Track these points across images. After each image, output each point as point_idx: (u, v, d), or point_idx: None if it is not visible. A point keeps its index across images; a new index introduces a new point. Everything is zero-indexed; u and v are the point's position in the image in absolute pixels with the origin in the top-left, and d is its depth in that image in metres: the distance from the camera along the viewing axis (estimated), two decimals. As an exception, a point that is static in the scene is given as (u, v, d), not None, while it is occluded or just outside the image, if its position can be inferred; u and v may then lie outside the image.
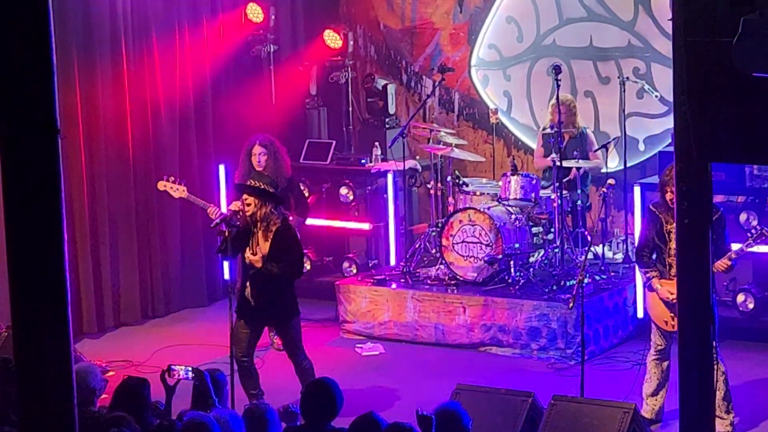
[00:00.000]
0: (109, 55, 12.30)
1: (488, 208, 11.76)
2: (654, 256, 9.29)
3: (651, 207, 9.39)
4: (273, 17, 13.66)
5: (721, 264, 8.83)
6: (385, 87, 13.77)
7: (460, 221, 11.80)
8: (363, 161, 13.27)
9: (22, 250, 3.11)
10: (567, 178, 11.80)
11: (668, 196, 8.93)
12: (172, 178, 11.09)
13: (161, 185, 11.10)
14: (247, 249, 9.52)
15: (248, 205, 9.39)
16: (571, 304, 9.65)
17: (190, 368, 7.43)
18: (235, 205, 9.77)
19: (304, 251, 10.47)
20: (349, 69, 14.03)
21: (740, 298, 11.32)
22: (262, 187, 9.45)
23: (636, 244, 9.86)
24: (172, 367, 7.52)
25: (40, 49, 2.95)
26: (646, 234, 9.35)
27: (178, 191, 11.02)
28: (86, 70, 12.10)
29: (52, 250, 3.13)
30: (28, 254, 3.15)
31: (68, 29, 11.83)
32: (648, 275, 9.28)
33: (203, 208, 11.11)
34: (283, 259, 9.42)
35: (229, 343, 9.29)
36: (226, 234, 9.29)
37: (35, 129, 2.94)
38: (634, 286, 11.55)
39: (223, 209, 11.44)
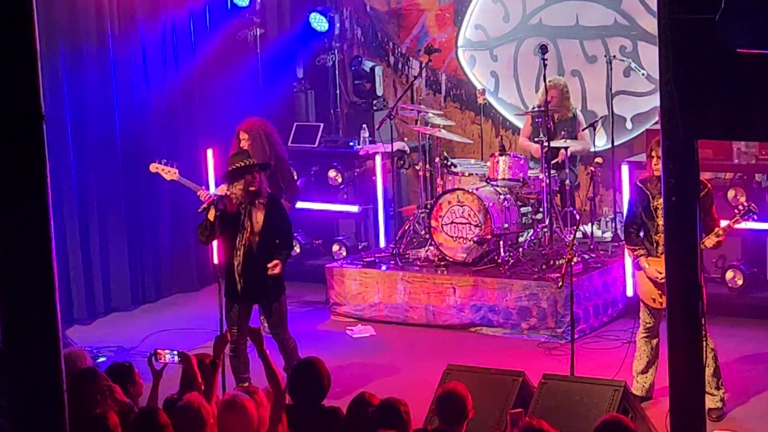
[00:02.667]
0: (95, 41, 12.28)
1: (477, 189, 11.76)
2: (641, 234, 9.31)
3: (638, 183, 9.40)
4: (259, 1, 13.64)
5: (710, 240, 8.84)
6: (372, 69, 13.76)
7: (449, 202, 11.81)
8: (351, 144, 13.27)
9: (9, 237, 3.11)
10: (555, 160, 11.81)
11: (654, 162, 8.93)
12: (164, 161, 11.10)
13: (153, 167, 11.12)
14: (243, 231, 9.53)
15: (253, 186, 9.48)
16: (560, 283, 9.67)
17: (176, 352, 7.44)
18: (222, 189, 9.83)
19: (294, 234, 10.52)
20: (336, 52, 14.02)
21: (729, 274, 11.35)
22: (243, 164, 9.50)
23: (623, 221, 9.88)
24: (159, 351, 7.53)
25: (22, 33, 2.95)
26: (633, 210, 9.36)
27: (170, 173, 11.05)
28: (72, 57, 12.08)
29: (39, 237, 3.13)
30: (15, 241, 3.15)
31: (54, 16, 11.81)
32: (636, 253, 9.29)
33: (194, 191, 11.12)
34: (280, 230, 9.59)
35: (219, 327, 9.31)
36: (211, 218, 9.41)
37: (19, 114, 2.93)
38: (623, 264, 11.57)
39: (213, 192, 11.47)
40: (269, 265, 9.54)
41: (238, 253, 9.59)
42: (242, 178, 9.50)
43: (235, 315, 9.63)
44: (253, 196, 9.55)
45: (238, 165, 9.58)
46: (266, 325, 11.30)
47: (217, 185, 12.22)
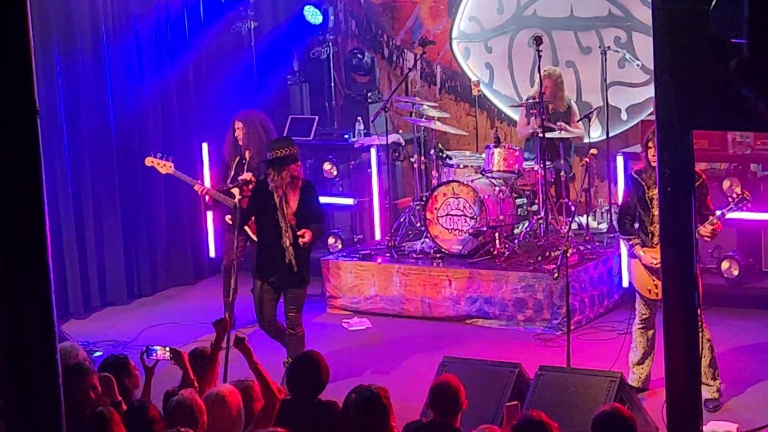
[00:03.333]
0: (90, 34, 12.26)
1: (472, 181, 11.76)
2: (636, 225, 9.30)
3: (633, 174, 9.40)
4: (253, -7, 13.62)
5: (705, 229, 8.84)
6: (373, 62, 13.78)
7: (444, 194, 11.81)
8: (346, 136, 13.27)
9: (4, 231, 3.10)
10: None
11: (651, 152, 8.92)
12: (160, 154, 11.14)
13: (149, 161, 11.15)
14: (279, 214, 9.74)
15: (273, 179, 9.68)
16: (556, 275, 9.67)
17: (168, 348, 7.44)
18: (247, 176, 10.02)
19: None
20: (331, 44, 14.00)
21: (725, 265, 11.35)
22: (278, 154, 9.69)
23: (617, 211, 9.88)
24: (150, 347, 7.53)
25: (16, 28, 2.94)
26: (628, 201, 9.36)
27: (165, 167, 11.09)
28: (66, 51, 12.06)
29: (35, 231, 3.13)
30: (10, 236, 3.14)
31: (48, 9, 11.78)
32: (630, 242, 9.30)
33: (190, 185, 11.17)
34: (315, 213, 9.86)
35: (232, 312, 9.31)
36: (238, 203, 9.68)
37: (14, 109, 2.93)
38: (619, 255, 11.57)
39: (208, 185, 11.50)
40: (298, 233, 9.72)
41: (284, 236, 9.75)
42: (287, 166, 9.67)
43: (267, 298, 9.89)
44: (292, 182, 9.73)
45: (281, 153, 9.70)
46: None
47: (212, 179, 12.22)
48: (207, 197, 11.19)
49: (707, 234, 8.91)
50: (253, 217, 10.11)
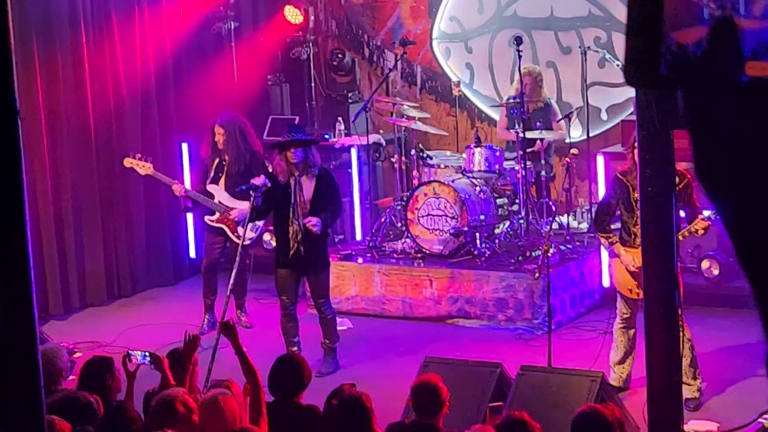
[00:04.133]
0: (69, 35, 12.22)
1: (453, 181, 11.77)
2: (614, 226, 9.31)
3: (618, 175, 9.39)
4: (233, -6, 13.61)
5: (700, 224, 8.84)
6: (353, 62, 13.78)
7: (425, 194, 11.81)
8: (326, 136, 13.26)
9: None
10: (531, 149, 11.82)
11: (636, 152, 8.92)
12: (139, 155, 11.13)
13: (127, 162, 11.14)
14: (295, 202, 9.98)
15: (292, 156, 9.91)
16: (537, 275, 9.69)
17: (147, 353, 7.47)
18: (259, 181, 10.11)
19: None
20: (311, 44, 14.00)
21: (705, 264, 11.37)
22: (305, 137, 10.05)
23: (596, 210, 9.88)
24: (130, 352, 7.57)
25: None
26: (609, 200, 9.37)
27: (144, 168, 11.08)
28: (46, 52, 12.02)
29: (15, 232, 3.11)
30: (-10, 237, 3.13)
31: (27, 11, 11.73)
32: (609, 240, 9.31)
33: (168, 185, 11.16)
34: (331, 200, 10.08)
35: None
36: (254, 198, 9.82)
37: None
38: (600, 254, 11.59)
39: (188, 186, 11.49)
40: (305, 221, 9.92)
41: (293, 222, 9.99)
42: (306, 151, 9.92)
43: (283, 281, 10.14)
44: (304, 168, 9.92)
45: (305, 136, 10.06)
46: (243, 318, 11.37)
47: (192, 179, 12.19)
48: (186, 198, 11.18)
49: (702, 228, 8.92)
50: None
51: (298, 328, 10.34)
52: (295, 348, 10.07)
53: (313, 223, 9.90)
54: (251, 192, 9.85)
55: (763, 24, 1.30)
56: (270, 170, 10.31)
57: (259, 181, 9.95)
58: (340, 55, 13.86)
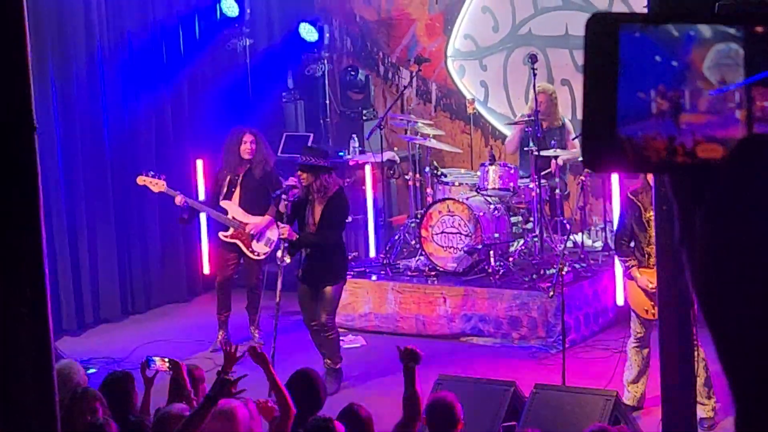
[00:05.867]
0: (84, 50, 12.26)
1: (467, 199, 11.76)
2: (632, 245, 9.30)
3: (629, 195, 9.38)
4: (248, 11, 13.63)
5: None
6: (367, 79, 13.79)
7: (439, 212, 11.80)
8: (341, 153, 13.27)
9: (1, 248, 3.10)
10: (546, 171, 11.81)
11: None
12: (152, 173, 11.15)
13: (141, 180, 11.16)
14: (306, 221, 10.13)
15: (303, 179, 10.00)
16: (551, 293, 9.67)
17: (167, 360, 7.47)
18: (291, 180, 10.16)
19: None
20: (326, 62, 14.01)
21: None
22: (314, 162, 9.98)
23: (614, 232, 9.88)
24: (150, 359, 7.56)
25: (13, 45, 2.94)
26: (624, 222, 9.35)
27: (158, 185, 11.10)
28: (61, 67, 12.06)
29: (31, 248, 3.12)
30: (6, 252, 3.14)
31: (43, 27, 11.77)
32: (627, 264, 9.29)
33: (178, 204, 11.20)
34: (329, 223, 10.10)
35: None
36: (281, 209, 10.00)
37: (11, 126, 2.93)
38: (614, 273, 11.57)
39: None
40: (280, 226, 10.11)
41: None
42: (315, 175, 9.94)
43: (300, 296, 10.30)
44: (315, 190, 10.01)
45: (316, 162, 9.98)
46: (256, 335, 11.36)
47: (206, 194, 12.20)
48: (184, 209, 11.21)
49: None
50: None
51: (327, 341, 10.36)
52: (328, 361, 10.25)
53: (282, 232, 9.98)
54: (282, 196, 10.00)
55: (708, 119, 1.35)
56: (285, 184, 10.32)
57: (292, 180, 10.04)
58: (353, 72, 13.88)
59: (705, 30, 1.37)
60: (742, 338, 1.34)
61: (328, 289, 10.19)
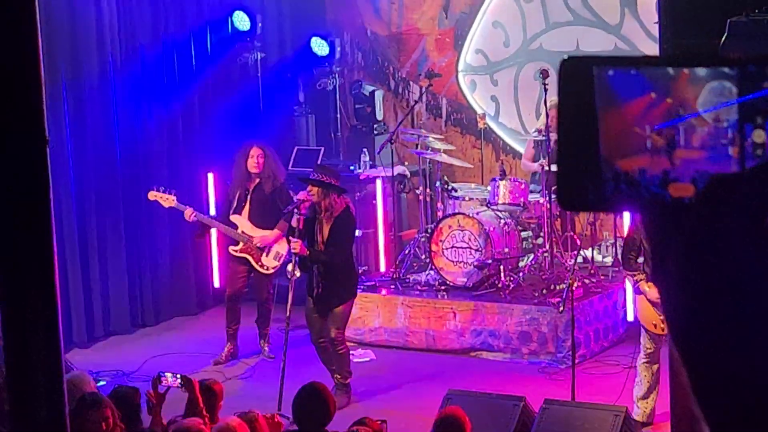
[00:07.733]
0: (96, 64, 12.30)
1: (477, 213, 11.76)
2: (641, 260, 9.29)
3: (639, 209, 9.36)
4: (260, 25, 13.66)
5: None
6: (372, 93, 13.79)
7: (450, 226, 11.80)
8: (352, 168, 13.28)
9: (11, 260, 3.10)
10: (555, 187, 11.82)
11: None
12: (162, 188, 11.19)
13: (152, 195, 11.20)
14: (314, 239, 10.12)
15: (312, 194, 10.00)
16: (561, 308, 9.67)
17: (179, 376, 7.46)
18: (302, 195, 10.17)
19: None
20: (337, 76, 14.03)
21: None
22: (326, 180, 9.96)
23: (623, 246, 9.87)
24: (162, 374, 7.56)
25: (27, 58, 2.95)
26: (633, 235, 9.35)
27: (168, 201, 11.13)
28: (73, 80, 12.09)
29: (42, 260, 3.13)
30: (17, 264, 3.14)
31: (55, 40, 11.81)
32: (635, 278, 9.28)
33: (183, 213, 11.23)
34: (334, 242, 10.06)
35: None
36: (294, 224, 10.07)
37: (23, 138, 2.93)
38: (624, 289, 11.55)
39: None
40: (291, 240, 10.11)
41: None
42: (326, 193, 9.94)
43: (307, 313, 10.27)
44: (323, 208, 10.00)
45: (327, 180, 9.97)
46: (266, 348, 11.37)
47: (217, 208, 12.23)
48: (196, 224, 11.25)
49: None
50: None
51: (335, 357, 10.34)
52: (338, 375, 10.22)
53: (294, 247, 9.98)
54: (294, 211, 10.02)
55: (701, 155, 1.36)
56: (296, 198, 10.34)
57: (302, 195, 10.03)
58: (359, 84, 13.89)
59: (699, 68, 1.38)
60: (713, 375, 1.34)
61: (335, 309, 10.20)
